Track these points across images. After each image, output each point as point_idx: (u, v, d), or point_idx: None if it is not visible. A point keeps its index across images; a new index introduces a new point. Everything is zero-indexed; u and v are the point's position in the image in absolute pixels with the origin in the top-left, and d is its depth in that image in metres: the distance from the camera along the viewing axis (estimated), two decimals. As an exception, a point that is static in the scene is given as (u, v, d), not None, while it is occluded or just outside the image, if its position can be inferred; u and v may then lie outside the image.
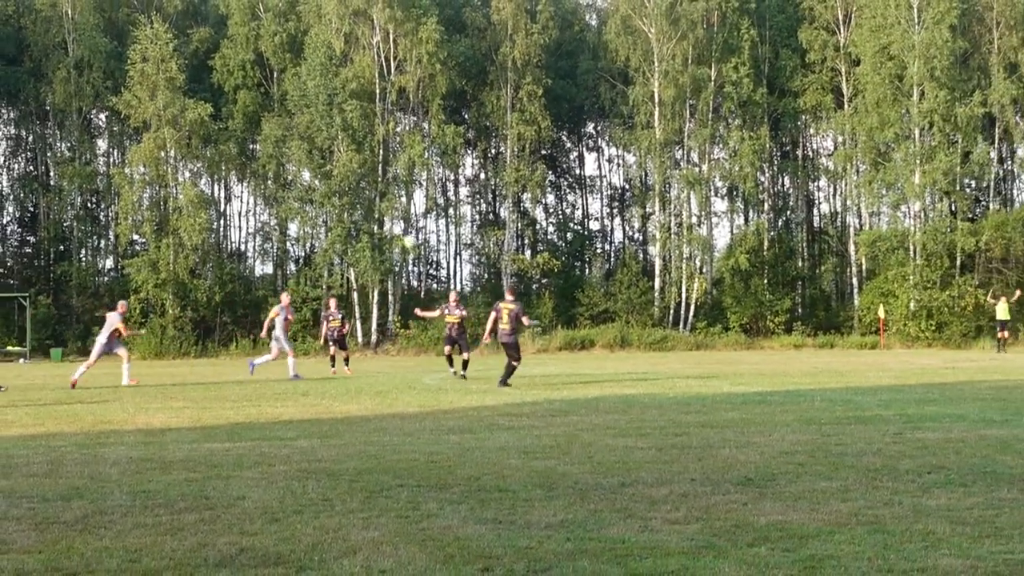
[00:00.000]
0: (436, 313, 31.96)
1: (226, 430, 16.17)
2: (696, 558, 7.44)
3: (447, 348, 30.20)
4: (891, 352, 50.73)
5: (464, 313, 30.18)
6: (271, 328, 32.04)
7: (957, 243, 56.63)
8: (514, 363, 26.16)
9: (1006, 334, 48.53)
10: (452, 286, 65.63)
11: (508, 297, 27.22)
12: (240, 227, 68.28)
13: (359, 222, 57.20)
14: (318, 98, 55.61)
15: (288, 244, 62.97)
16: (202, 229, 55.76)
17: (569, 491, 10.15)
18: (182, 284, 55.38)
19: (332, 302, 36.64)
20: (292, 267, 63.09)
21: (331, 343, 35.17)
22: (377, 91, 58.60)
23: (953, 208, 59.45)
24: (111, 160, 63.86)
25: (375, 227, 57.75)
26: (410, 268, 65.40)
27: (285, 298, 33.23)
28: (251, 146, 61.59)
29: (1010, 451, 12.73)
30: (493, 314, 27.03)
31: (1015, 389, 23.67)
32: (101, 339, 29.62)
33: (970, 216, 60.00)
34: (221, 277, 57.84)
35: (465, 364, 29.37)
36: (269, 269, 64.77)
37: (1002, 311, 48.06)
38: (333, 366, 34.94)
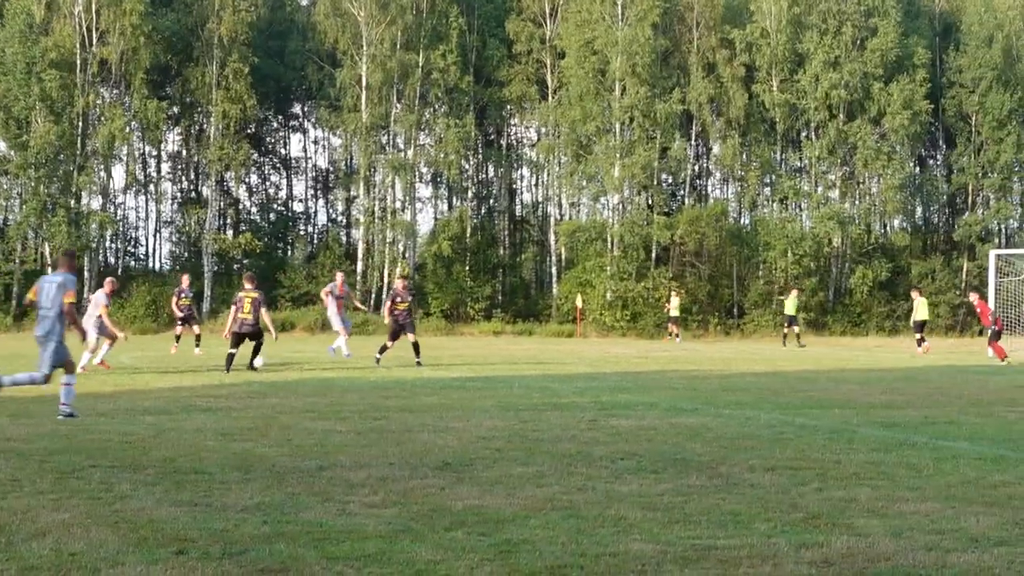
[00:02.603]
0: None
1: (-94, 408, 15.52)
2: (393, 542, 7.49)
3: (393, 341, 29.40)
4: (587, 341, 51.89)
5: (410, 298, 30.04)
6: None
7: (653, 236, 58.32)
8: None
9: (796, 329, 48.61)
10: (151, 264, 64.41)
11: (248, 286, 25.45)
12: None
13: (55, 196, 55.59)
14: (16, 66, 53.80)
15: (-21, 216, 60.65)
16: None
17: (266, 474, 10.10)
18: None
19: (185, 279, 35.09)
20: (-17, 239, 60.73)
21: (179, 321, 34.22)
22: (78, 62, 56.79)
23: (650, 202, 61.19)
24: None
25: (72, 201, 56.20)
26: (107, 244, 63.68)
27: (339, 277, 32.88)
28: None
29: (699, 439, 13.18)
30: (234, 307, 25.29)
31: (705, 379, 24.52)
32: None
33: (666, 210, 61.76)
34: (-97, 247, 55.46)
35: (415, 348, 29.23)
36: (-41, 241, 62.15)
37: (790, 306, 48.42)
38: (177, 342, 33.85)
